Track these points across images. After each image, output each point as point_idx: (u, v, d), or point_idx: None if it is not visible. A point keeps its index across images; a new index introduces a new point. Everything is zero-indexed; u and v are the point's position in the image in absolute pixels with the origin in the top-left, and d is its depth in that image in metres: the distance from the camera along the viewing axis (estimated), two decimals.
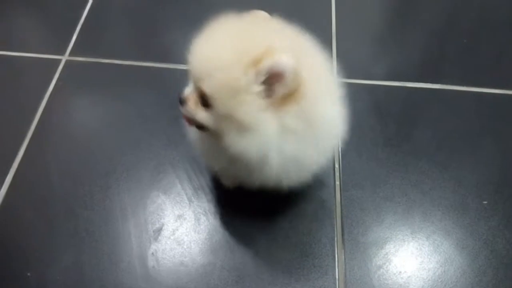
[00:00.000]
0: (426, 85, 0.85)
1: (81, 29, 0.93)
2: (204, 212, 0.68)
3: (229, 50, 0.45)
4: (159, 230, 0.66)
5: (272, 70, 0.43)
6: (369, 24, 0.99)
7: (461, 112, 0.81)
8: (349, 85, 0.86)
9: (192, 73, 0.49)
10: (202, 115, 0.49)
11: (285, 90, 0.44)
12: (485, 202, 0.70)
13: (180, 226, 0.67)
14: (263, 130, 0.46)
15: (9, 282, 0.62)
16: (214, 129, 0.49)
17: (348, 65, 0.88)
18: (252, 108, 0.45)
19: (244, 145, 0.47)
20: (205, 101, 0.48)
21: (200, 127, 0.51)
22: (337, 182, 0.72)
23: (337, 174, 0.72)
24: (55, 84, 0.84)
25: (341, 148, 0.75)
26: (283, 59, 0.43)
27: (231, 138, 0.47)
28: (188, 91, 0.51)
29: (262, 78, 0.44)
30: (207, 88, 0.46)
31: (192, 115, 0.50)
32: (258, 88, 0.44)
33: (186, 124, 0.54)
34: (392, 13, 1.02)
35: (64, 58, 0.88)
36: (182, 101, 0.51)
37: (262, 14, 0.55)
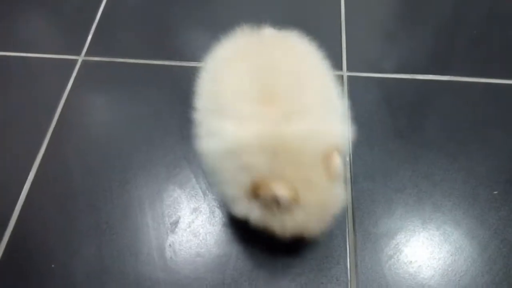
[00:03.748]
0: (436, 77, 0.86)
1: (95, 29, 0.95)
2: (218, 205, 0.70)
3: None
4: (175, 223, 0.69)
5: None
6: (378, 17, 0.99)
7: (471, 103, 0.81)
8: (359, 79, 0.87)
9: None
10: None
11: None
12: (495, 192, 0.71)
13: (195, 219, 0.69)
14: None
15: (35, 274, 0.65)
16: None
17: (358, 58, 0.89)
18: None
19: None
20: None
21: None
22: (348, 175, 0.73)
23: (348, 166, 0.74)
24: (73, 84, 0.87)
25: (352, 141, 0.76)
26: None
27: None
28: None
29: None
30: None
31: None
32: None
33: None
34: (401, 6, 1.02)
35: (80, 58, 0.91)
36: None
37: (269, 33, 0.60)
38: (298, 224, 0.51)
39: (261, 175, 0.49)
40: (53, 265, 0.65)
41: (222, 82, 0.57)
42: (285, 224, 0.51)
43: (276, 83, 0.55)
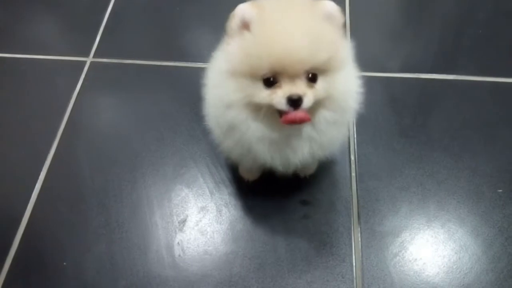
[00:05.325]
0: (441, 76, 0.86)
1: (103, 31, 0.97)
2: (225, 204, 0.72)
3: (315, 21, 0.47)
4: (183, 221, 0.70)
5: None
6: (383, 16, 0.99)
7: (476, 102, 0.82)
8: (364, 78, 0.87)
9: (292, 63, 0.45)
10: (312, 96, 0.47)
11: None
12: (500, 191, 0.71)
13: (203, 218, 0.71)
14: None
15: (47, 271, 0.66)
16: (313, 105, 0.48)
17: (363, 58, 0.89)
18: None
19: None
20: (311, 80, 0.47)
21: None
22: (353, 174, 0.74)
23: (353, 165, 0.75)
24: (82, 85, 0.88)
25: (357, 140, 0.77)
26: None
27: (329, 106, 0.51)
28: (296, 89, 0.46)
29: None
30: (320, 62, 0.46)
31: (308, 104, 0.47)
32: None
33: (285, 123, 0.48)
34: (406, 5, 1.02)
35: (88, 60, 0.92)
36: (299, 100, 0.46)
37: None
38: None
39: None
40: (65, 263, 0.67)
41: None
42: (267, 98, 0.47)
43: None
